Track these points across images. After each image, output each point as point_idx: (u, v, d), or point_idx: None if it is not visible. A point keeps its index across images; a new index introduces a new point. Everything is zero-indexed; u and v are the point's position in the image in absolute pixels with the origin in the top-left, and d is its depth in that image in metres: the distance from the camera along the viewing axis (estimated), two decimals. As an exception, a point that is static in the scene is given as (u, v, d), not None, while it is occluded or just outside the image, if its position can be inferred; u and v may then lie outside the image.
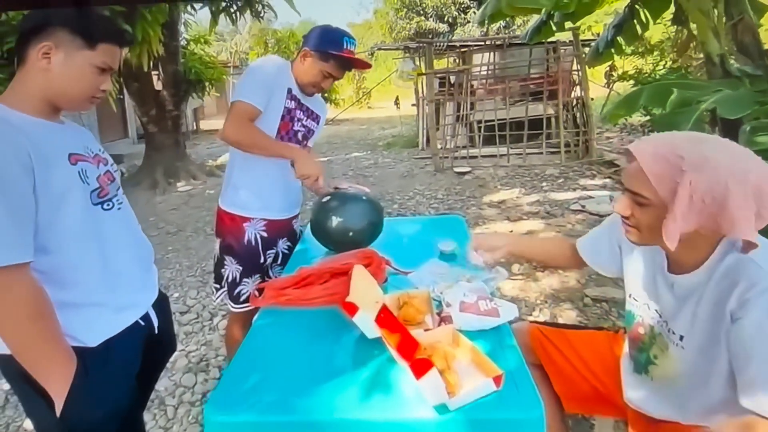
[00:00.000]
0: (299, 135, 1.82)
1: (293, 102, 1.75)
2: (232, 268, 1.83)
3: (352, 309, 1.08)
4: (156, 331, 1.21)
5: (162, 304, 1.28)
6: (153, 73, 6.93)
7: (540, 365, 1.43)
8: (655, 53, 7.48)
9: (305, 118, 1.82)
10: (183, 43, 7.93)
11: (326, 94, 18.46)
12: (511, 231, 4.33)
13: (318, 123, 1.91)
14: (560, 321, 2.76)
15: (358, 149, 10.34)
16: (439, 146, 7.55)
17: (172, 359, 2.55)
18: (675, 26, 4.84)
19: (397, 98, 13.86)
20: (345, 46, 1.65)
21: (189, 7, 6.84)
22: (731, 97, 2.05)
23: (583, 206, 4.90)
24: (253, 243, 1.81)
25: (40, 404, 0.97)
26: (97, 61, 1.02)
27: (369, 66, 1.86)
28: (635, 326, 1.20)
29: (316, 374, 1.04)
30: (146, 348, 1.19)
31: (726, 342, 0.95)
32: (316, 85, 1.74)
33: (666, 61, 7.16)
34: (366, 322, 1.08)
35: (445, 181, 6.55)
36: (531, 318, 2.80)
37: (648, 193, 0.95)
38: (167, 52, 6.35)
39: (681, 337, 1.05)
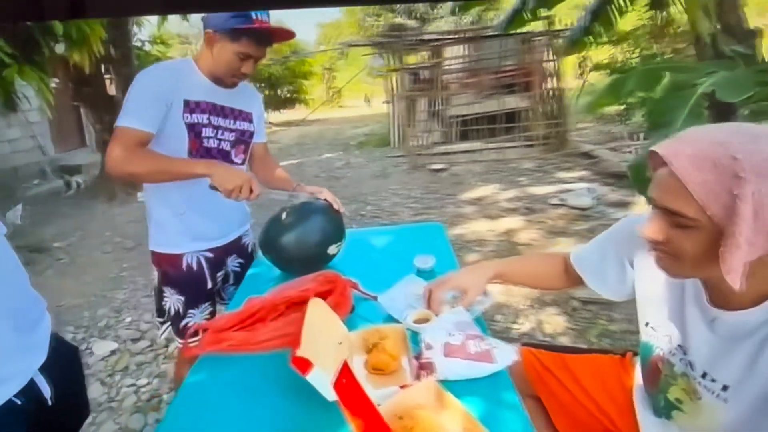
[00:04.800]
0: (223, 145, 1.50)
1: (196, 114, 1.42)
2: (173, 300, 1.55)
3: (305, 366, 0.82)
4: (50, 402, 0.93)
5: (60, 363, 0.99)
6: (105, 77, 6.49)
7: (536, 396, 1.22)
8: (629, 41, 7.39)
9: (229, 122, 1.50)
10: (138, 44, 7.47)
11: (295, 95, 17.99)
12: (491, 230, 4.13)
13: (251, 121, 1.58)
14: (547, 327, 2.56)
15: (329, 150, 10.01)
16: (413, 143, 7.32)
17: (119, 397, 2.25)
18: (652, 11, 4.72)
19: (366, 96, 13.62)
20: (255, 17, 1.34)
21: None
22: (730, 78, 1.86)
23: (563, 200, 4.75)
24: (195, 268, 1.53)
25: None
26: None
27: (292, 35, 1.47)
28: (653, 361, 0.97)
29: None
30: (37, 424, 0.90)
31: None
32: (236, 73, 1.42)
33: (640, 49, 7.08)
34: (323, 383, 0.82)
35: (421, 180, 6.33)
36: (515, 326, 2.60)
37: (692, 212, 0.69)
38: (119, 55, 5.94)
39: (724, 387, 0.82)
